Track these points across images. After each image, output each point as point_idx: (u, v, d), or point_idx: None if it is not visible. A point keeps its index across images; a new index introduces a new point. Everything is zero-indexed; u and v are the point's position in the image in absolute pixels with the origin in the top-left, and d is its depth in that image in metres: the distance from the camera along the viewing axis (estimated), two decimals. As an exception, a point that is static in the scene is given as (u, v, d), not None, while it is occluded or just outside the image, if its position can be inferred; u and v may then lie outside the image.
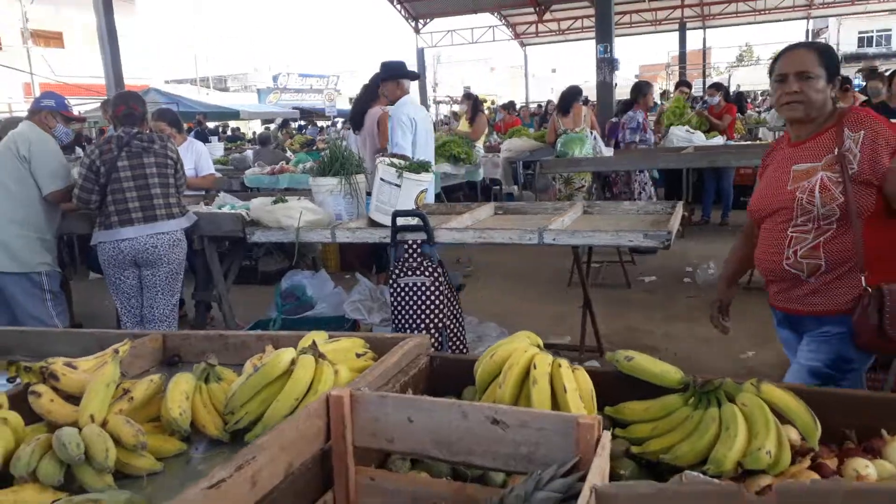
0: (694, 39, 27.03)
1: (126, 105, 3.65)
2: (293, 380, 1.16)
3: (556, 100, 8.35)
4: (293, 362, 1.20)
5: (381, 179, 3.85)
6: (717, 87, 8.54)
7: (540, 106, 18.12)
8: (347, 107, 29.02)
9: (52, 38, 25.39)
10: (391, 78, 4.69)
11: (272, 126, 21.14)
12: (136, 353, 1.49)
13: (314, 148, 11.68)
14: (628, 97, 7.39)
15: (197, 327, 4.25)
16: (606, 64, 11.11)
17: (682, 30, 24.13)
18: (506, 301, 5.35)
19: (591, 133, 6.68)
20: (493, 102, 23.89)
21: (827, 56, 2.09)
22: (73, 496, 0.81)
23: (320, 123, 23.04)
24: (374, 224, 3.84)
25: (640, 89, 7.25)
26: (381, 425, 0.95)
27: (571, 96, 6.62)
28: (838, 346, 2.02)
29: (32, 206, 3.50)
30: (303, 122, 22.21)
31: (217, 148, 11.38)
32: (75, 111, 5.01)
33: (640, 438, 1.06)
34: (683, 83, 9.55)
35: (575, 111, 6.60)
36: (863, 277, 1.98)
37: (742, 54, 45.78)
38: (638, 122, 7.29)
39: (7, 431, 1.06)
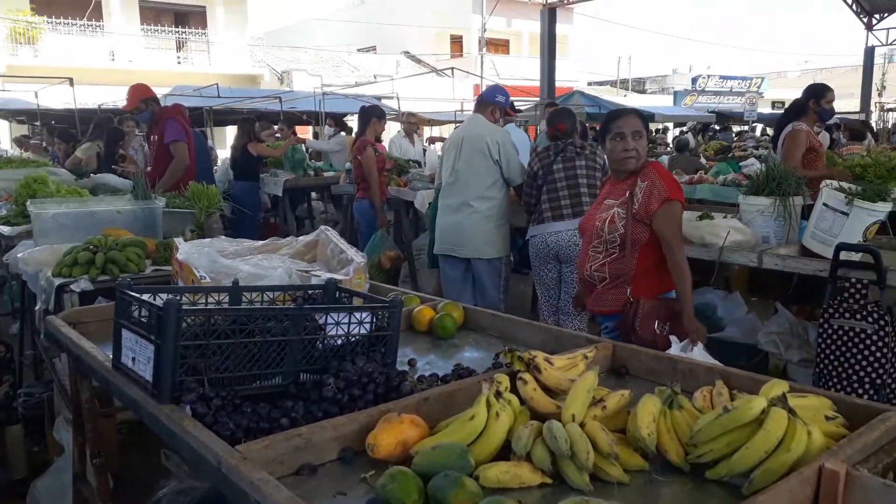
0: None
1: (553, 126, 4.05)
2: (765, 431, 1.14)
3: None
4: (763, 412, 1.18)
5: (825, 205, 3.48)
6: None
7: None
8: (769, 111, 26.67)
9: (500, 46, 29.13)
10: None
11: (684, 129, 20.68)
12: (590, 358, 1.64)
13: (730, 156, 11.04)
14: None
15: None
16: None
17: None
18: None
19: None
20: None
21: (645, 119, 2.81)
22: (587, 497, 0.94)
23: (736, 128, 21.68)
24: (807, 252, 3.50)
25: None
26: (882, 515, 0.88)
27: None
28: (613, 337, 2.47)
29: (500, 200, 4.05)
30: (717, 127, 21.20)
31: (632, 151, 11.56)
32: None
33: None
34: None
35: None
36: (628, 290, 2.67)
37: None
38: None
39: (510, 411, 1.28)
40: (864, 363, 3.04)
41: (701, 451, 1.20)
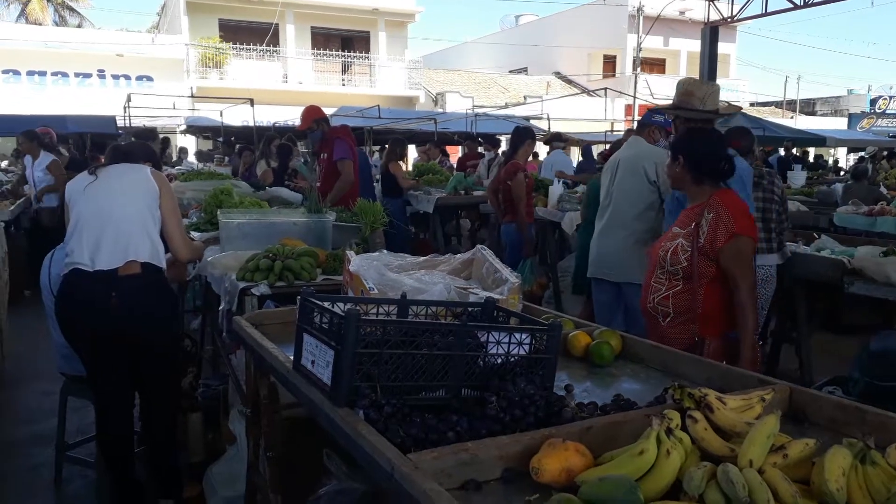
0: None
1: (731, 142, 3.82)
2: (982, 501, 1.02)
3: None
4: (979, 479, 1.05)
5: None
6: None
7: None
8: (970, 136, 23.64)
9: (655, 65, 28.30)
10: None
11: (864, 154, 18.87)
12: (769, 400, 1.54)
13: (917, 186, 9.91)
14: None
15: (767, 367, 4.18)
16: None
17: None
18: None
19: None
20: None
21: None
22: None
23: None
24: None
25: None
26: None
27: None
28: None
29: (655, 223, 3.86)
30: (898, 153, 19.13)
31: (799, 177, 10.81)
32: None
33: None
34: None
35: None
36: (694, 328, 2.58)
37: None
38: None
39: (681, 450, 1.23)
40: None
41: (900, 514, 1.09)
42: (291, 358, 1.70)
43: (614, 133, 15.47)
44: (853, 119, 27.50)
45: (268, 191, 5.11)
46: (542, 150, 13.45)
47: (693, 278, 2.54)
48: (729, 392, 1.58)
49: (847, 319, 5.68)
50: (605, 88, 17.93)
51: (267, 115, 13.98)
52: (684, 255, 2.56)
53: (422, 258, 2.52)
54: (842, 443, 1.26)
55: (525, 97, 22.57)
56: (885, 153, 14.28)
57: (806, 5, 12.56)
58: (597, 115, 20.52)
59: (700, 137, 2.78)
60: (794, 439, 1.27)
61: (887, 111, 28.77)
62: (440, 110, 18.56)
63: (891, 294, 3.44)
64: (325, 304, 1.58)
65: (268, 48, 22.29)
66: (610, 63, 29.58)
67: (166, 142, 11.02)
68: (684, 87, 3.33)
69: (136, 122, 11.79)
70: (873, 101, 29.69)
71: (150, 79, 20.38)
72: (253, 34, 22.59)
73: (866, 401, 2.21)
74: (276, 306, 2.84)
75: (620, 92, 20.85)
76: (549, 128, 12.64)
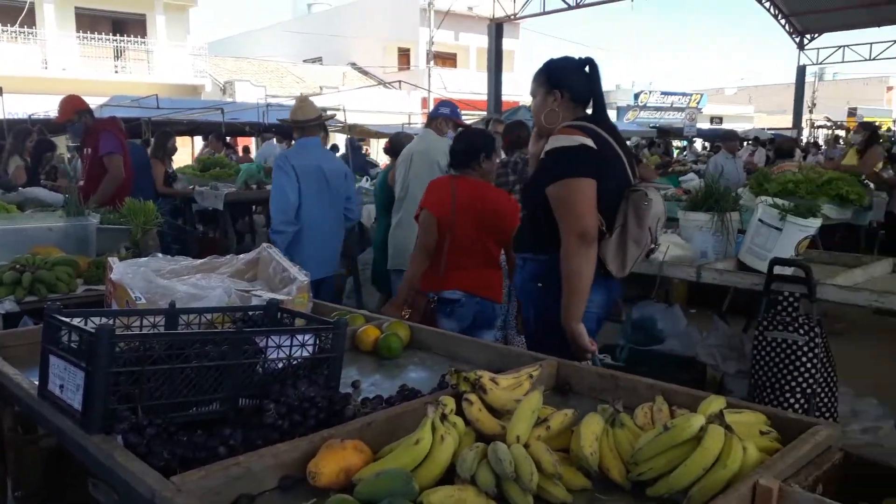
0: None
1: (514, 133, 4.09)
2: (703, 448, 1.17)
3: None
4: (701, 429, 1.21)
5: (760, 221, 3.61)
6: None
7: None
8: (708, 126, 27.42)
9: (447, 59, 29.36)
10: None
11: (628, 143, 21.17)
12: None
13: (669, 170, 11.33)
14: None
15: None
16: None
17: None
18: (890, 371, 4.55)
19: None
20: (889, 128, 20.42)
21: None
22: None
23: (675, 143, 22.37)
24: (743, 267, 3.63)
25: None
26: (813, 531, 0.90)
27: None
28: None
29: None
30: (657, 141, 21.85)
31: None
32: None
33: None
34: None
35: None
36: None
37: None
38: None
39: (455, 434, 1.27)
40: (796, 374, 3.15)
41: (641, 469, 1.22)
42: (37, 384, 1.49)
43: (411, 125, 15.78)
44: (621, 112, 30.70)
45: (20, 192, 4.48)
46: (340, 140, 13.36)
47: None
48: (506, 371, 1.67)
49: (617, 292, 6.37)
50: (400, 81, 18.24)
51: (23, 106, 12.27)
52: None
53: (199, 261, 2.35)
54: (597, 409, 1.39)
55: (322, 87, 22.23)
56: (646, 142, 16.22)
57: (578, 6, 13.86)
58: (394, 108, 20.82)
59: (460, 137, 3.52)
60: (557, 411, 1.36)
61: (648, 104, 32.50)
62: (230, 99, 17.62)
63: (646, 268, 3.86)
64: (75, 321, 1.41)
65: (22, 29, 19.57)
66: (405, 55, 30.15)
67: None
68: (294, 104, 4.25)
69: None
70: (636, 95, 33.39)
71: None
72: (3, 13, 19.68)
73: (631, 365, 2.48)
74: (35, 324, 2.49)
75: (415, 85, 21.35)
76: (346, 119, 12.57)
